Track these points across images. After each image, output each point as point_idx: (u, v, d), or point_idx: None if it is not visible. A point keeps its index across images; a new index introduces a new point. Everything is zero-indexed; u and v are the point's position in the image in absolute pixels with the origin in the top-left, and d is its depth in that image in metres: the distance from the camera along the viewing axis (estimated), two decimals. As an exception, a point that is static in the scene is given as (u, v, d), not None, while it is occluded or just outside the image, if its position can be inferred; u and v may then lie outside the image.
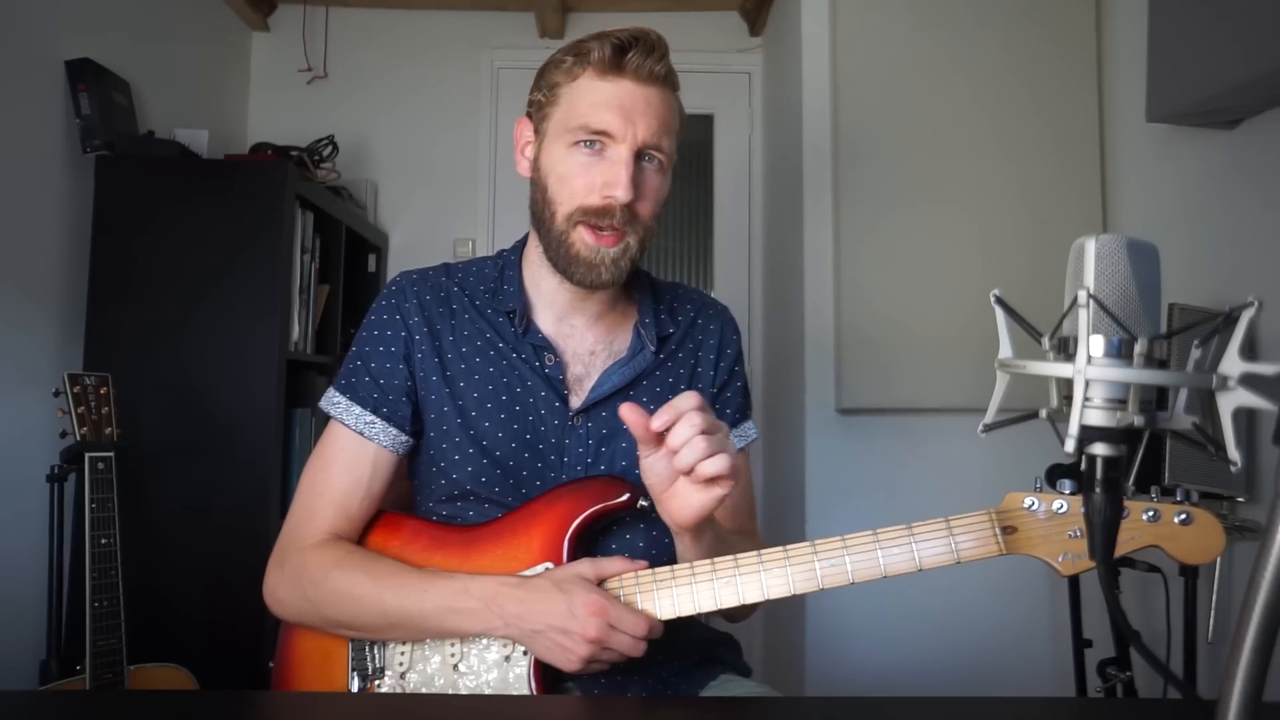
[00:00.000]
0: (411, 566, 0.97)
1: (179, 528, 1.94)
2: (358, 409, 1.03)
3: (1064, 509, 0.87)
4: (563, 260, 1.01)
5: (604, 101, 0.97)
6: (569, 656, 0.87)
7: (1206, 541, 0.84)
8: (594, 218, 0.98)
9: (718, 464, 0.83)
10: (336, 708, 0.88)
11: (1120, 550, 0.84)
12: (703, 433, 0.83)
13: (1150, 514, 0.85)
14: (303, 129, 2.67)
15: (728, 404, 1.16)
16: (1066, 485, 0.88)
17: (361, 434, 1.02)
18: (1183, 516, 0.84)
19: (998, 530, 0.87)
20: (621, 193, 0.96)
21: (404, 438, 1.05)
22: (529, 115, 1.06)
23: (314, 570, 0.97)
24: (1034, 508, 0.88)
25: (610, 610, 0.86)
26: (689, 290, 1.20)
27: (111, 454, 1.62)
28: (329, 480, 1.02)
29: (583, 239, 0.99)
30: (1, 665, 1.74)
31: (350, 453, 1.03)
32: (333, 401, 1.05)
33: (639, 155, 0.98)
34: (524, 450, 1.03)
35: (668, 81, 1.01)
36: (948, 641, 2.09)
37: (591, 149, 0.98)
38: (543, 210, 1.02)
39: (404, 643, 0.97)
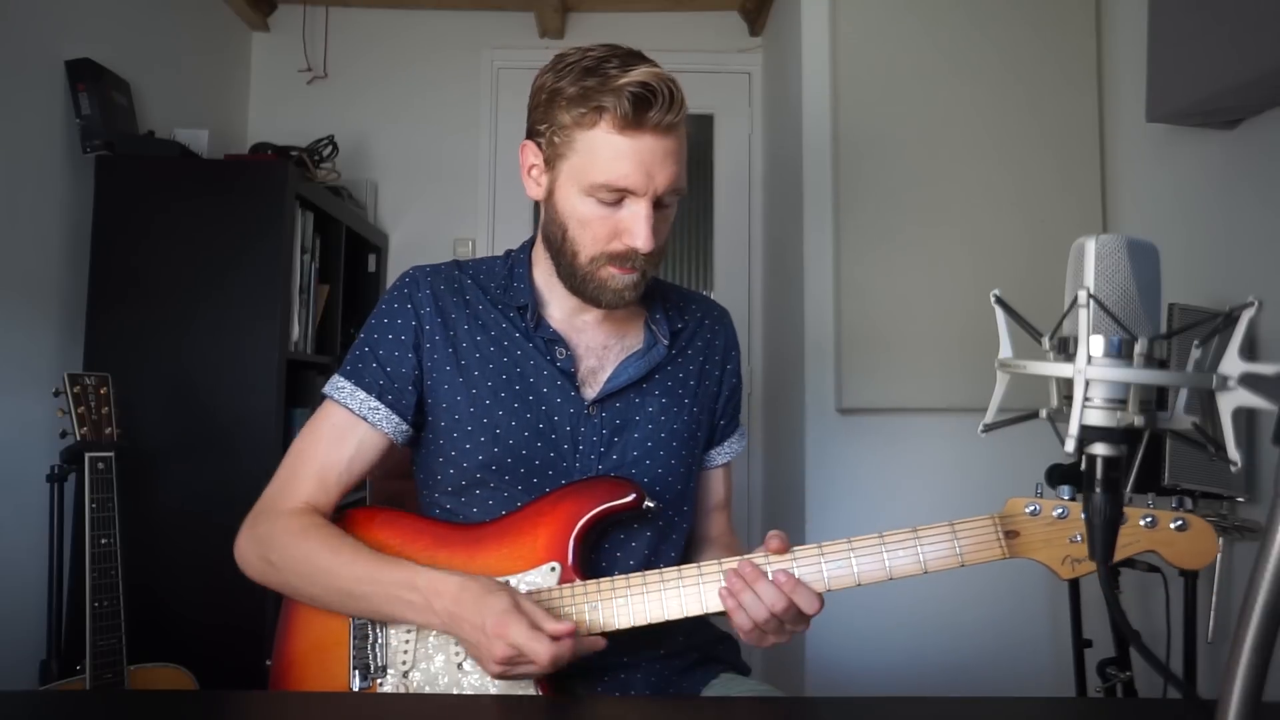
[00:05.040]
0: (373, 549, 0.98)
1: (179, 528, 1.94)
2: (362, 394, 1.04)
3: (1065, 514, 0.89)
4: (589, 292, 1.03)
5: (625, 157, 0.95)
6: (488, 666, 0.90)
7: (1201, 547, 0.86)
8: (618, 261, 1.00)
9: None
10: (337, 708, 0.88)
11: (1118, 555, 0.85)
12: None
13: (1147, 520, 0.87)
14: (303, 129, 2.66)
15: (728, 414, 1.20)
16: (1066, 491, 0.90)
17: (365, 419, 1.04)
18: (1179, 523, 0.86)
19: (1001, 534, 0.89)
20: (642, 244, 0.97)
21: (404, 426, 1.06)
22: (535, 143, 1.02)
23: (281, 535, 1.00)
24: (1036, 512, 0.89)
25: (512, 636, 0.85)
26: (691, 292, 1.23)
27: (111, 454, 1.62)
28: (314, 451, 1.04)
29: (611, 274, 1.01)
30: (1, 665, 1.74)
31: (340, 428, 1.04)
32: (337, 386, 1.06)
33: (657, 203, 0.98)
34: (536, 440, 1.04)
35: (683, 123, 0.98)
36: (948, 641, 2.09)
37: (612, 198, 0.98)
38: (562, 246, 1.02)
39: (407, 642, 0.97)
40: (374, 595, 0.94)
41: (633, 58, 0.97)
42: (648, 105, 0.93)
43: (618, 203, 0.97)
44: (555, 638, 0.86)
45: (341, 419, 1.04)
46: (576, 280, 1.03)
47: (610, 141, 0.95)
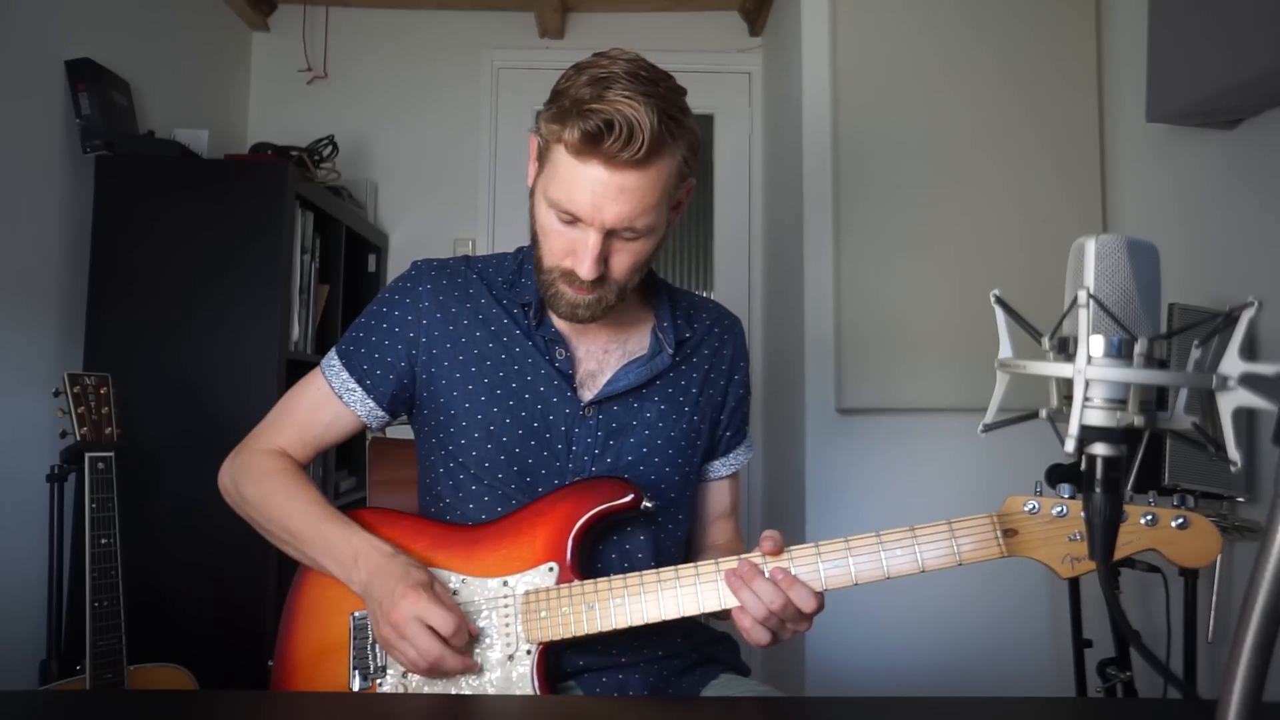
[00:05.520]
0: (327, 504, 1.05)
1: (179, 528, 1.94)
2: (345, 374, 1.10)
3: (1064, 512, 0.88)
4: (547, 299, 1.04)
5: (574, 182, 0.93)
6: (381, 628, 0.94)
7: (1203, 545, 0.86)
8: (568, 279, 0.99)
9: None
10: (337, 708, 0.89)
11: (1118, 554, 0.85)
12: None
13: (1148, 518, 0.86)
14: (303, 129, 2.66)
15: (734, 424, 1.19)
16: (1066, 489, 0.89)
17: (341, 398, 1.10)
18: (1179, 521, 0.86)
19: (999, 533, 0.89)
20: (584, 273, 0.96)
21: (380, 412, 1.10)
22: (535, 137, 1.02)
23: (253, 470, 1.09)
24: (1034, 511, 0.89)
25: (420, 604, 0.91)
26: (704, 299, 1.22)
27: (111, 454, 1.62)
28: (298, 409, 1.13)
29: (562, 289, 1.01)
30: (1, 665, 1.74)
31: (322, 398, 1.12)
32: (329, 361, 1.12)
33: (611, 232, 0.96)
34: (530, 438, 1.05)
35: (653, 156, 0.92)
36: (948, 641, 2.09)
37: (566, 217, 0.96)
38: (533, 245, 1.04)
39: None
40: (313, 543, 1.02)
41: (638, 83, 0.91)
42: (599, 138, 0.89)
43: (572, 223, 0.96)
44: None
45: (324, 390, 1.11)
46: (540, 283, 1.03)
47: (566, 163, 0.93)
